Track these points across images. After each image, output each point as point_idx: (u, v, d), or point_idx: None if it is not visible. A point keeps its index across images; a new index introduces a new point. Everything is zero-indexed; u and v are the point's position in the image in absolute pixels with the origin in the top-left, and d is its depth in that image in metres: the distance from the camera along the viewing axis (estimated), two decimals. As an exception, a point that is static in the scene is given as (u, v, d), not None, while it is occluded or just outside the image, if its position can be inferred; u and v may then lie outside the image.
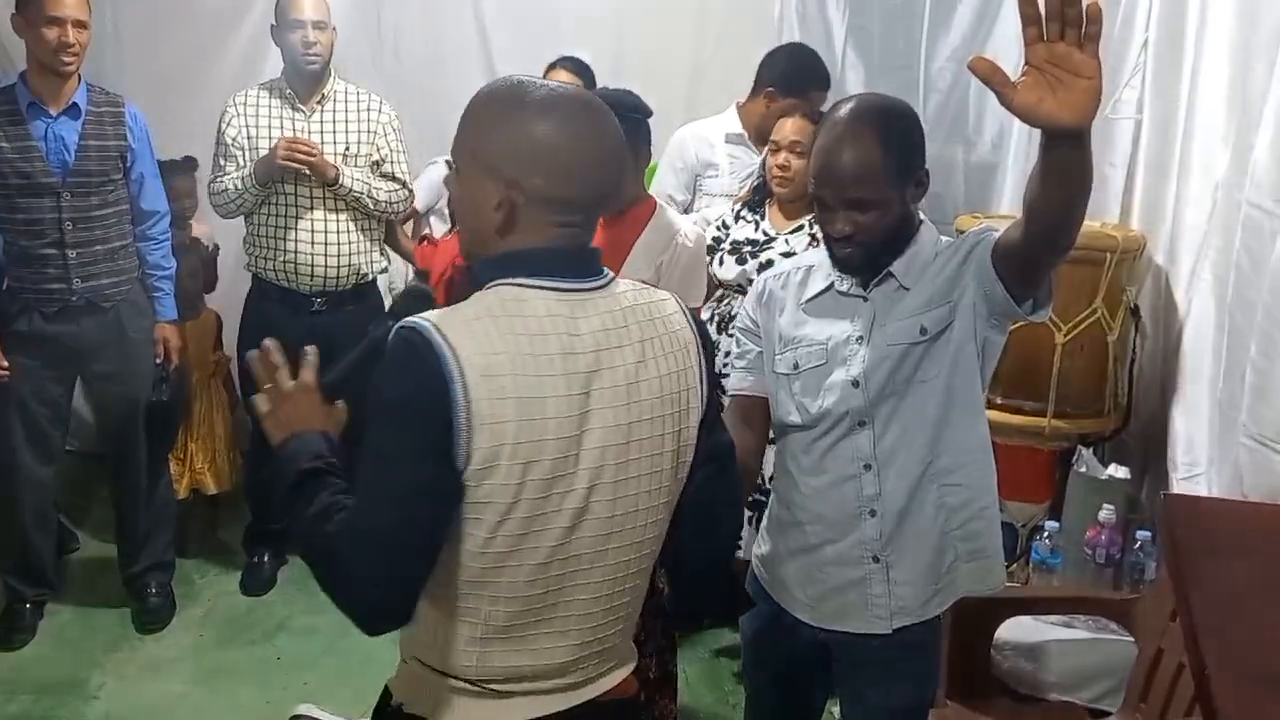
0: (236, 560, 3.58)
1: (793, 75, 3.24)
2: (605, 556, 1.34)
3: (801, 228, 2.87)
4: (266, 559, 3.53)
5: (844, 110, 1.73)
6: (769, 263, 2.85)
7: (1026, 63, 1.29)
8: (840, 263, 1.77)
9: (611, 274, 1.38)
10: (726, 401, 1.91)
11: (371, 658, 1.78)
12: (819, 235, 2.77)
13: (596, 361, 1.29)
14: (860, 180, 1.68)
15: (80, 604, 3.34)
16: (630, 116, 2.55)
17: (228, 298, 3.78)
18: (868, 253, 1.74)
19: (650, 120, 2.60)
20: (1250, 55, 2.33)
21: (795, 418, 1.82)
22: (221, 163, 3.25)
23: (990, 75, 1.31)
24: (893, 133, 1.70)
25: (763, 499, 2.95)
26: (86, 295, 2.98)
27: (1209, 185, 2.49)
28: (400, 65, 4.04)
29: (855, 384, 1.75)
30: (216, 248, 3.78)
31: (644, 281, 2.51)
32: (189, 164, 3.66)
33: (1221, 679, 0.98)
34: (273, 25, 3.25)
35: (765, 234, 2.95)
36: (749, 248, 2.94)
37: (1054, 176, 1.42)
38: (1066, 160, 1.39)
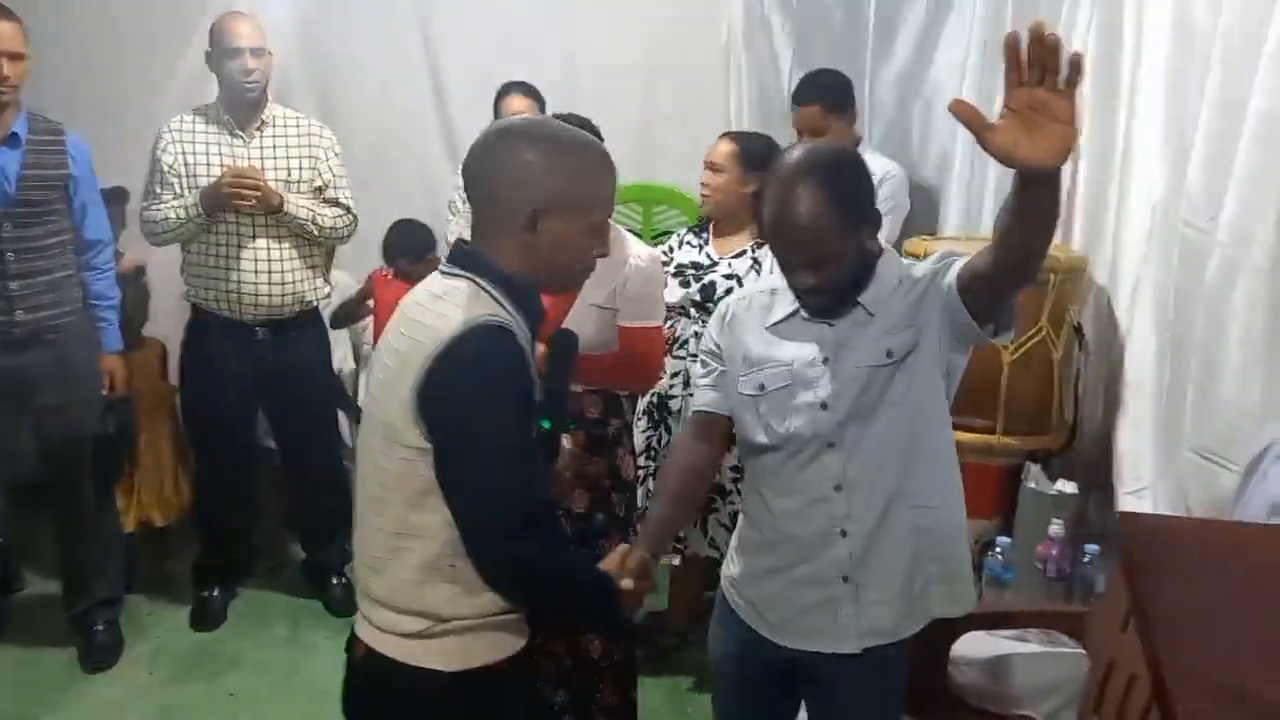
0: (186, 595, 3.51)
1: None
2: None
3: (744, 252, 2.91)
4: (216, 593, 3.47)
5: (788, 168, 1.74)
6: (711, 285, 2.89)
7: (1006, 106, 1.35)
8: (808, 308, 1.80)
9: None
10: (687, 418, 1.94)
11: (327, 692, 1.76)
12: (761, 259, 2.82)
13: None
14: (814, 240, 1.70)
15: (25, 644, 3.26)
16: (590, 129, 2.57)
17: (172, 328, 3.73)
18: (833, 298, 1.77)
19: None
20: (1184, 79, 2.41)
21: (763, 438, 1.84)
22: (157, 190, 3.18)
23: (971, 118, 1.36)
24: (838, 186, 1.71)
25: (707, 502, 3.00)
26: (30, 327, 2.91)
27: (1147, 206, 2.56)
28: (348, 90, 4.02)
29: (823, 406, 1.78)
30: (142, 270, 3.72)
31: (598, 304, 2.54)
32: (118, 195, 3.59)
33: (1181, 693, 1.01)
34: (208, 52, 3.19)
35: (709, 257, 2.98)
36: (692, 271, 2.97)
37: (1025, 214, 1.48)
38: (1038, 199, 1.45)
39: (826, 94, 3.31)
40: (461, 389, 1.44)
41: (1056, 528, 2.59)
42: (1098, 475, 2.79)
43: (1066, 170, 2.89)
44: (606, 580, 1.61)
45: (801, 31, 3.89)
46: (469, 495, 1.46)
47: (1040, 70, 1.32)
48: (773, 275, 1.89)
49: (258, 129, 3.22)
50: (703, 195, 2.96)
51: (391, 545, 1.52)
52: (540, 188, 1.50)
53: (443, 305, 1.50)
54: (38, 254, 2.91)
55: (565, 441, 1.72)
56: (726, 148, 2.92)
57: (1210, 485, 2.14)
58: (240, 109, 3.20)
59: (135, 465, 3.51)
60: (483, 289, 1.51)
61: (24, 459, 3.10)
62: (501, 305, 1.51)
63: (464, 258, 1.56)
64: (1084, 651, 2.30)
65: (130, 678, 3.15)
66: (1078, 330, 2.80)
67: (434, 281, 1.58)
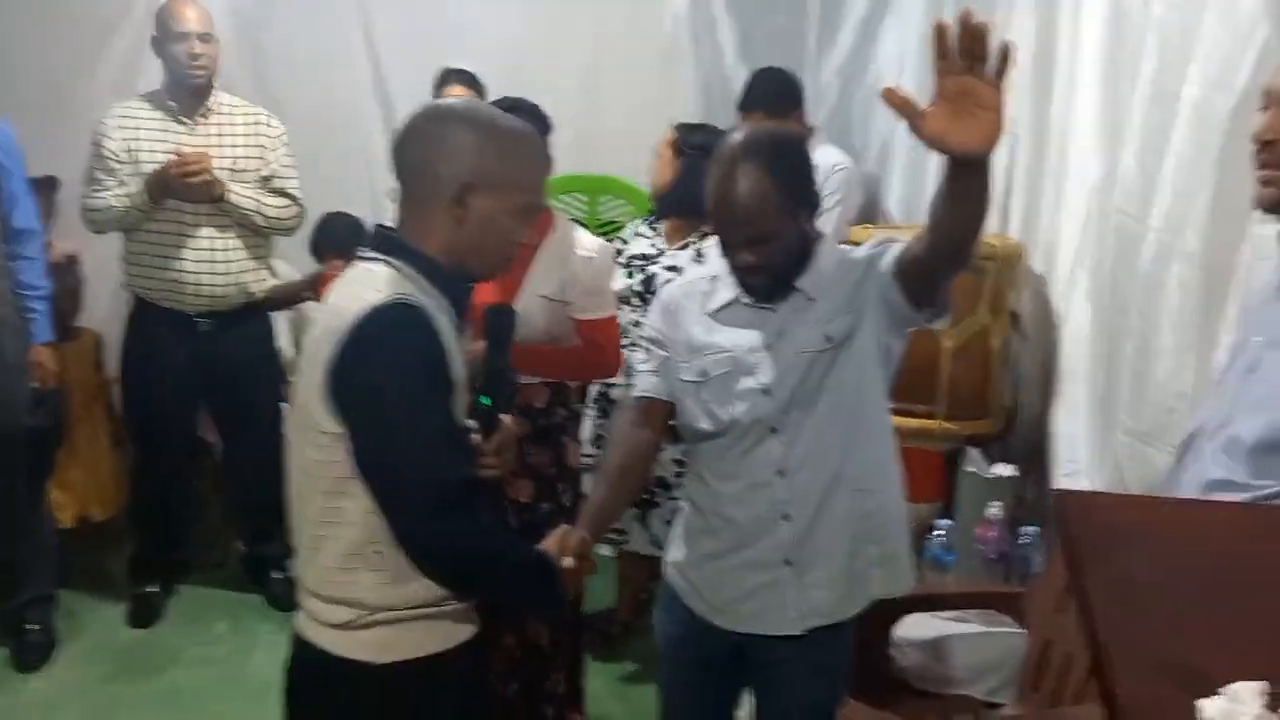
0: (123, 591, 3.44)
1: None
2: None
3: (688, 245, 2.93)
4: (154, 589, 3.40)
5: (731, 149, 1.76)
6: (652, 276, 2.90)
7: (936, 94, 1.37)
8: (748, 289, 1.82)
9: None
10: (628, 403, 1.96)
11: (268, 687, 1.74)
12: (705, 251, 2.84)
13: None
14: (755, 217, 1.72)
15: (-47, 643, 3.17)
16: (539, 116, 2.57)
17: (107, 319, 3.65)
18: (773, 279, 1.79)
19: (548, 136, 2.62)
20: (1117, 69, 2.45)
21: (705, 425, 1.85)
22: (100, 177, 3.11)
23: (903, 106, 1.38)
24: (780, 164, 1.74)
25: (644, 496, 3.02)
26: (-42, 319, 2.84)
27: (1082, 194, 2.61)
28: (286, 80, 3.95)
29: (765, 391, 1.79)
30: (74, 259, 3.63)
31: (547, 296, 2.53)
32: (48, 183, 3.51)
33: (1120, 669, 1.02)
34: (154, 36, 3.13)
35: (655, 248, 3.00)
36: (639, 261, 2.99)
37: (958, 199, 1.50)
38: (970, 184, 1.48)
39: (769, 102, 3.27)
40: (369, 370, 1.43)
41: (995, 510, 2.63)
42: (1036, 459, 2.84)
43: (1004, 158, 2.98)
44: (546, 559, 1.61)
45: (745, 23, 3.93)
46: (385, 477, 1.45)
47: (969, 58, 1.35)
48: (714, 263, 1.90)
49: (203, 116, 3.16)
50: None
51: (317, 534, 1.50)
52: (473, 162, 1.49)
53: (357, 289, 1.48)
54: (-36, 244, 2.83)
55: (507, 419, 1.70)
56: (668, 134, 2.98)
57: (1144, 467, 2.19)
58: (185, 95, 3.15)
59: (74, 459, 3.43)
60: (401, 272, 1.49)
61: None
62: (416, 283, 1.49)
63: (382, 242, 1.55)
64: (1023, 631, 2.34)
65: (65, 676, 3.09)
66: (1015, 317, 2.85)
67: (353, 268, 1.56)
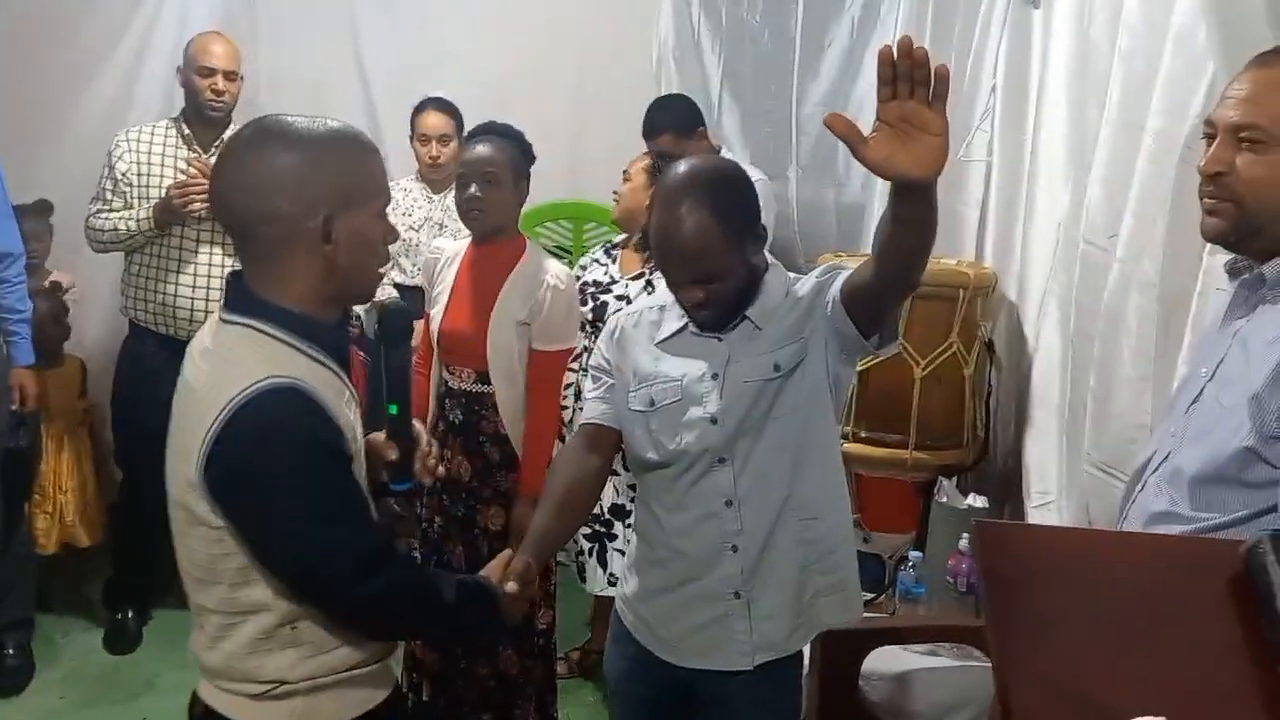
0: (101, 616, 3.45)
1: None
2: None
3: (641, 275, 2.93)
4: (130, 615, 3.41)
5: (672, 186, 1.74)
6: (603, 305, 2.91)
7: (878, 119, 1.37)
8: (697, 323, 1.81)
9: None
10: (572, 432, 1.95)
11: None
12: (655, 281, 2.84)
13: None
14: (700, 256, 1.70)
15: (-71, 667, 3.17)
16: (520, 142, 2.59)
17: (94, 344, 3.67)
18: (720, 313, 1.78)
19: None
20: (1084, 101, 2.45)
21: (653, 455, 1.83)
22: (108, 197, 3.18)
23: (846, 132, 1.37)
24: (722, 200, 1.71)
25: (600, 529, 3.00)
26: (-65, 342, 2.86)
27: (1052, 224, 2.60)
28: (273, 107, 3.96)
29: (713, 421, 1.78)
30: (73, 286, 3.65)
31: (520, 320, 2.54)
32: (41, 207, 3.55)
33: (1023, 701, 1.02)
34: (179, 66, 3.23)
35: (610, 277, 3.01)
36: (593, 289, 3.00)
37: (903, 224, 1.49)
38: (914, 210, 1.47)
39: (673, 122, 3.31)
40: (251, 471, 1.29)
41: (966, 542, 2.61)
42: (1010, 489, 2.82)
43: (979, 187, 2.98)
44: (484, 586, 1.58)
45: (730, 51, 3.94)
46: (296, 568, 1.35)
47: (909, 84, 1.34)
48: (663, 292, 1.89)
49: (216, 146, 3.23)
50: (614, 200, 3.01)
51: (222, 624, 1.39)
52: (321, 188, 1.34)
53: (216, 364, 1.35)
54: (-56, 268, 2.86)
55: (417, 424, 1.68)
56: (642, 161, 2.97)
57: (1107, 497, 2.17)
58: (201, 126, 3.23)
59: (58, 485, 3.43)
60: (265, 334, 1.35)
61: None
62: (291, 347, 1.36)
63: (239, 300, 1.38)
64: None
65: (41, 703, 3.08)
66: (989, 346, 2.83)
67: (209, 330, 1.41)
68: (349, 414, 1.43)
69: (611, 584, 2.96)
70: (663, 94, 3.89)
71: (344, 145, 1.40)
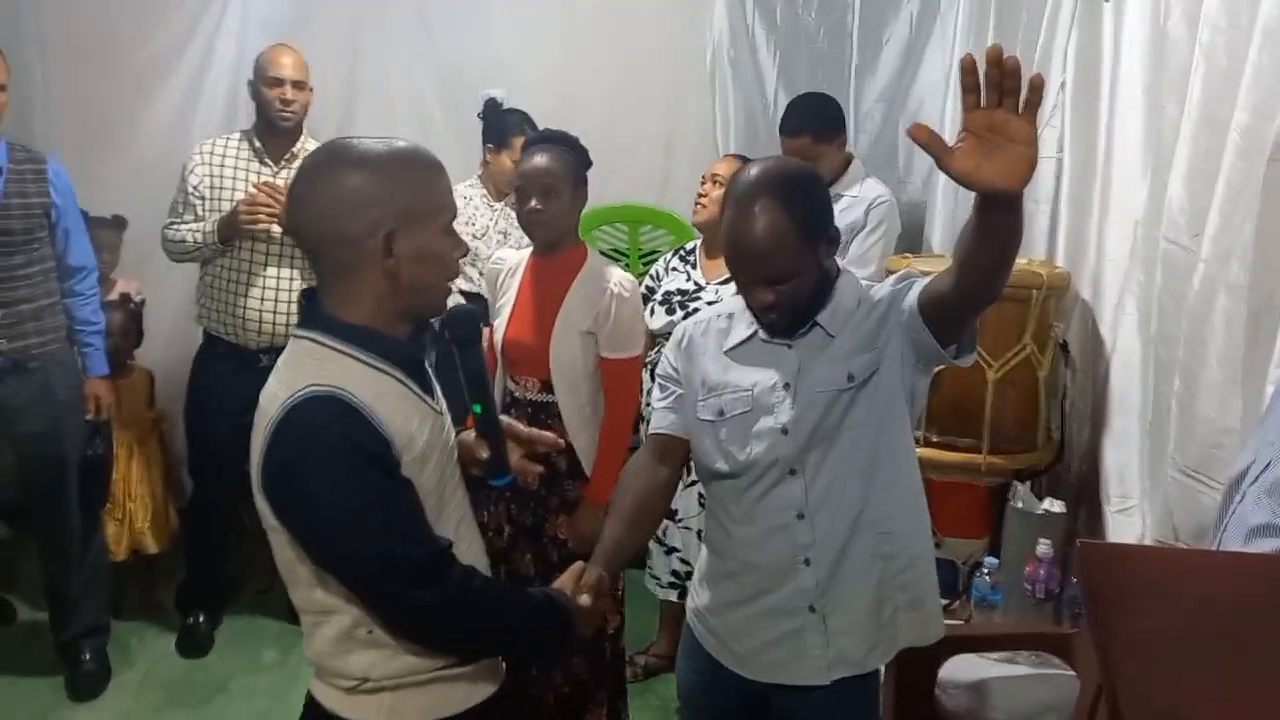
0: (174, 621, 3.50)
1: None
2: None
3: (730, 279, 2.90)
4: (201, 619, 3.46)
5: (745, 184, 1.71)
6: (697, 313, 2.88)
7: (964, 129, 1.33)
8: (767, 328, 1.78)
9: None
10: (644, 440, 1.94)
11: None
12: None
13: None
14: (773, 256, 1.68)
15: (12, 673, 3.24)
16: (576, 148, 2.59)
17: (161, 355, 3.73)
18: (792, 317, 1.75)
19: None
20: (1161, 94, 2.39)
21: (722, 465, 1.81)
22: (180, 210, 3.25)
23: (929, 142, 1.34)
24: (796, 200, 1.69)
25: (663, 539, 3.01)
26: (13, 356, 2.92)
27: (1129, 222, 2.54)
28: (343, 113, 3.99)
29: (784, 431, 1.75)
30: (143, 301, 3.72)
31: (584, 330, 2.54)
32: (117, 222, 3.63)
33: (1126, 716, 1.01)
34: (250, 80, 3.27)
35: (695, 284, 2.98)
36: (679, 298, 2.97)
37: (989, 235, 1.46)
38: (1001, 221, 1.43)
39: (814, 125, 3.19)
40: (290, 478, 1.35)
41: (1044, 548, 2.55)
42: (1086, 493, 2.76)
43: (1050, 185, 2.93)
44: (555, 600, 1.58)
45: (786, 50, 3.90)
46: (346, 571, 1.39)
47: (998, 92, 1.31)
48: (731, 299, 1.87)
49: (288, 160, 3.27)
50: (699, 204, 2.98)
51: (309, 620, 1.46)
52: (383, 207, 1.38)
53: (280, 375, 1.41)
54: (20, 282, 2.92)
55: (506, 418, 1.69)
56: (729, 165, 2.96)
57: (1193, 503, 2.11)
58: (272, 137, 3.27)
59: (128, 493, 3.50)
60: (325, 345, 1.40)
61: (7, 486, 3.10)
62: (350, 356, 1.40)
63: (308, 315, 1.45)
64: (1073, 674, 2.27)
65: (117, 706, 3.14)
66: (1063, 347, 2.77)
67: (290, 344, 1.47)
68: (413, 421, 1.43)
69: (655, 581, 3.09)
70: (730, 94, 3.84)
71: (406, 164, 1.43)
